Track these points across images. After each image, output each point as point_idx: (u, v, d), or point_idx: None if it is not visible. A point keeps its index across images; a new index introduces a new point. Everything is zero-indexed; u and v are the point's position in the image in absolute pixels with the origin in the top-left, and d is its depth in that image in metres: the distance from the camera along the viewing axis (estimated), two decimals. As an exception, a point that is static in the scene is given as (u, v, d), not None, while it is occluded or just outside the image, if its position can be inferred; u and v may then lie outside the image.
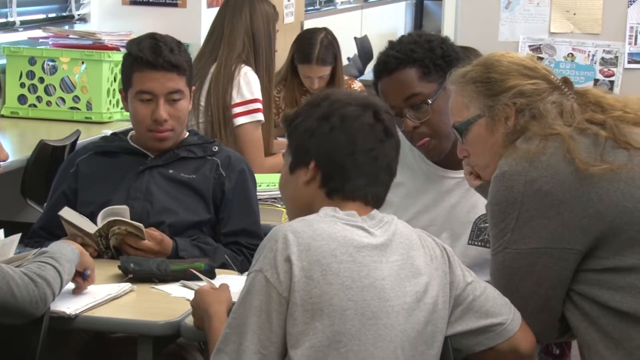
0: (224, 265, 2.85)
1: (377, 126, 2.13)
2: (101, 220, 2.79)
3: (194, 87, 3.10)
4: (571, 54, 5.68)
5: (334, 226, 2.03)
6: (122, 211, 2.82)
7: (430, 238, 2.16)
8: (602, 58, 5.61)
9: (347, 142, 2.11)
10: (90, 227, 2.78)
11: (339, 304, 1.97)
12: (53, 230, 2.92)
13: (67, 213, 2.80)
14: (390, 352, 2.01)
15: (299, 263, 1.97)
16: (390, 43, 2.70)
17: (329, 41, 4.77)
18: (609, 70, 5.61)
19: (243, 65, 4.02)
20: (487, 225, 2.46)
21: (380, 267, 2.03)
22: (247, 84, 4.00)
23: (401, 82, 2.61)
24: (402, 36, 2.73)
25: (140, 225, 2.78)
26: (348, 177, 2.11)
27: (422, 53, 2.62)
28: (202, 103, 3.97)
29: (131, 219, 2.81)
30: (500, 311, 2.16)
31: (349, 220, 2.06)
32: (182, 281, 2.60)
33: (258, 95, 4.02)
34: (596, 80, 5.62)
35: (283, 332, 1.98)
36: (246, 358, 1.98)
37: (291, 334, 1.97)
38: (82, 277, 2.49)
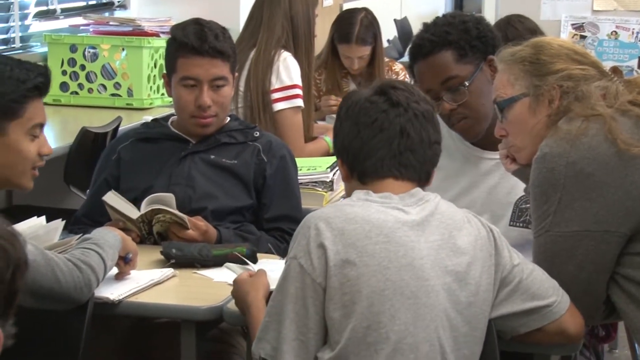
0: (267, 250, 2.87)
1: (379, 99, 2.12)
2: (145, 206, 2.81)
3: (236, 74, 3.10)
4: (615, 31, 5.62)
5: (367, 209, 2.03)
6: (167, 199, 2.83)
7: (477, 218, 2.14)
8: (646, 36, 5.55)
9: (351, 125, 2.12)
10: (133, 213, 2.80)
11: (377, 285, 1.98)
12: (96, 217, 2.94)
13: (110, 198, 2.81)
14: (432, 331, 2.00)
15: (333, 247, 1.98)
16: (425, 25, 2.69)
17: (369, 21, 4.75)
18: (654, 48, 5.54)
19: (282, 50, 4.00)
20: (528, 206, 2.45)
21: (419, 247, 2.02)
22: (287, 69, 3.99)
23: (437, 65, 2.60)
24: (437, 18, 2.71)
25: (184, 216, 2.80)
26: (364, 156, 2.10)
27: (457, 35, 2.60)
28: (242, 88, 3.97)
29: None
30: (547, 293, 2.14)
31: (383, 202, 2.05)
32: (226, 263, 2.61)
33: (297, 80, 4.01)
34: (640, 58, 5.57)
35: (321, 318, 1.99)
36: (285, 345, 1.99)
37: (333, 318, 1.98)
38: (124, 261, 2.52)
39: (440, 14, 2.79)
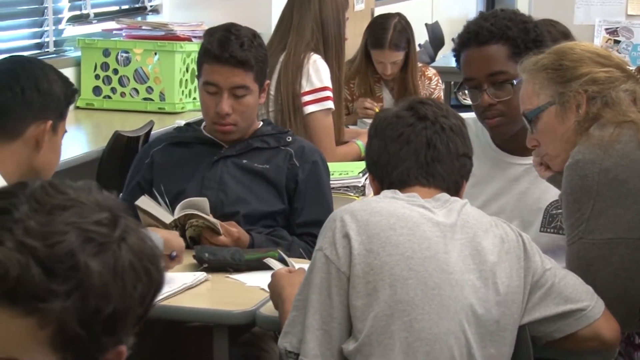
0: (299, 255, 2.87)
1: (406, 113, 2.15)
2: (179, 210, 2.82)
3: (267, 81, 3.10)
4: (649, 36, 5.59)
5: (393, 204, 2.06)
6: (201, 203, 2.84)
7: (506, 224, 2.15)
8: (681, 40, 5.51)
9: (380, 140, 2.15)
10: (166, 217, 2.82)
11: (400, 274, 1.99)
12: (128, 220, 2.96)
13: (143, 202, 2.82)
14: (456, 323, 2.01)
15: (357, 237, 2.00)
16: (483, 15, 2.66)
17: (403, 26, 4.75)
18: (688, 52, 5.51)
19: (312, 53, 4.01)
20: (559, 211, 2.44)
21: (443, 242, 2.03)
22: (317, 72, 3.99)
23: (489, 56, 2.57)
24: (496, 10, 2.69)
25: (217, 221, 2.81)
26: (392, 168, 2.13)
27: (517, 32, 2.57)
28: (272, 92, 3.98)
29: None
30: (581, 297, 2.14)
31: (410, 200, 2.08)
32: (269, 259, 2.62)
33: (328, 83, 4.01)
34: (674, 64, 5.52)
35: (345, 307, 2.01)
36: (310, 335, 2.01)
37: (356, 307, 2.00)
38: (170, 258, 2.54)
39: (470, 18, 2.78)
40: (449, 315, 2.01)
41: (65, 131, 2.42)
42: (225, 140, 3.02)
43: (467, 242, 2.06)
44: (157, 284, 1.20)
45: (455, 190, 2.15)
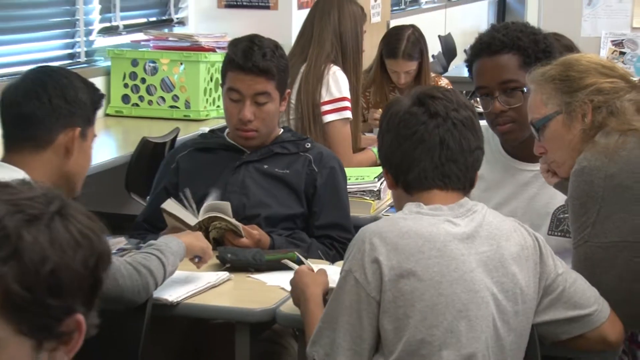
0: (317, 257, 2.88)
1: (419, 110, 2.08)
2: (203, 213, 2.83)
3: (288, 90, 3.11)
4: (653, 48, 5.57)
5: (420, 222, 2.01)
6: (224, 207, 2.85)
7: (523, 227, 2.12)
8: (684, 52, 5.49)
9: (392, 137, 2.10)
10: (190, 219, 2.83)
11: (430, 300, 1.97)
12: (155, 222, 2.98)
13: (169, 205, 2.83)
14: (482, 343, 1.99)
15: (387, 263, 1.96)
16: (495, 26, 2.67)
17: (416, 37, 4.75)
18: (691, 63, 5.49)
19: (332, 64, 4.02)
20: (566, 215, 2.44)
21: (469, 260, 2.00)
22: (336, 82, 4.00)
23: (501, 65, 2.58)
24: (507, 22, 2.69)
25: (239, 224, 2.82)
26: (407, 168, 2.07)
27: (527, 42, 2.58)
28: (293, 101, 3.99)
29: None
30: (589, 302, 2.13)
31: (434, 214, 2.03)
32: (286, 260, 2.61)
33: (346, 93, 4.02)
34: (677, 74, 5.50)
35: (374, 329, 1.99)
36: (340, 354, 2.00)
37: (387, 330, 1.98)
38: (195, 260, 2.56)
39: (482, 30, 2.78)
40: (476, 336, 1.99)
41: (95, 135, 2.42)
42: (247, 146, 3.03)
43: (492, 255, 2.03)
44: (100, 251, 1.23)
45: (470, 186, 2.11)
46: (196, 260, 2.57)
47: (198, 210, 2.84)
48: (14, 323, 1.16)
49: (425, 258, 1.98)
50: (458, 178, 2.08)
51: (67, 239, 1.19)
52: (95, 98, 2.39)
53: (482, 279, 2.01)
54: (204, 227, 2.83)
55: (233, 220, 2.82)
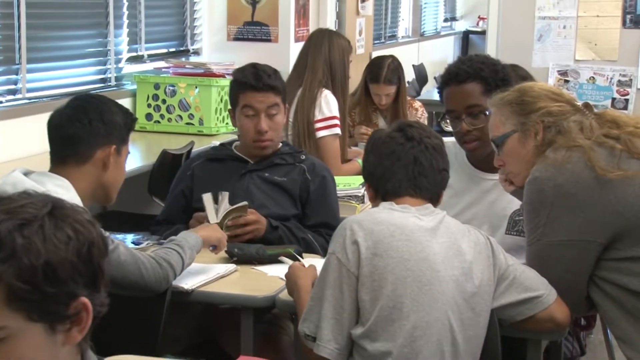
0: (312, 251, 2.87)
1: (397, 135, 2.15)
2: (222, 213, 2.83)
3: (287, 106, 3.12)
4: (592, 77, 5.59)
5: (392, 214, 2.06)
6: (242, 206, 2.85)
7: (476, 230, 2.16)
8: (619, 80, 5.51)
9: (375, 156, 2.15)
10: (212, 218, 2.83)
11: (400, 273, 2.00)
12: (172, 220, 2.98)
13: (206, 198, 2.84)
14: (443, 313, 2.02)
15: (364, 243, 2.00)
16: (461, 59, 2.67)
17: (395, 66, 4.76)
18: (624, 90, 5.50)
19: (323, 89, 4.03)
20: (521, 218, 2.44)
21: (432, 245, 2.04)
22: (327, 104, 4.01)
23: (467, 92, 2.58)
24: (471, 55, 2.70)
25: (244, 202, 2.82)
26: (386, 180, 2.12)
27: (489, 73, 2.58)
28: (291, 119, 4.00)
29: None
30: (538, 287, 2.14)
31: (404, 210, 2.08)
32: (282, 257, 2.62)
33: (336, 113, 4.03)
34: (613, 99, 5.53)
35: (353, 300, 2.01)
36: (324, 323, 2.02)
37: (364, 300, 2.00)
38: (210, 248, 2.57)
39: (449, 61, 2.77)
40: (438, 306, 2.01)
41: (129, 152, 2.43)
42: (261, 155, 3.03)
43: (450, 244, 2.06)
44: (91, 241, 1.20)
45: (436, 199, 2.16)
46: (211, 248, 2.56)
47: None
48: (23, 313, 1.14)
49: (395, 240, 2.01)
50: (427, 189, 2.13)
51: (59, 235, 1.17)
52: (129, 120, 2.39)
53: (443, 262, 2.04)
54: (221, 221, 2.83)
55: (239, 204, 2.81)
